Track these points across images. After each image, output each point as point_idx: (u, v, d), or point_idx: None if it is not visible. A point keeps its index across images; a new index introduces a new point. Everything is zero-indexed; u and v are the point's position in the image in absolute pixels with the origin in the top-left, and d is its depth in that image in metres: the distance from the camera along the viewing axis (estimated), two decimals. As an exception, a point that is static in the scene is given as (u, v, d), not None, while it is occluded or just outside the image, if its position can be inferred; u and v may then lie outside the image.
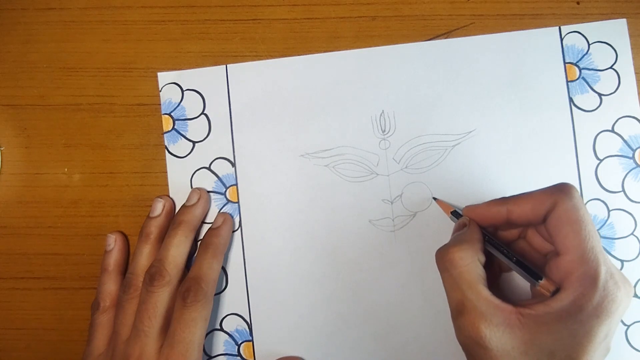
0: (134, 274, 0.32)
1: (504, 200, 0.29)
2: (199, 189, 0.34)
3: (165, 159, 0.34)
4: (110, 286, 0.33)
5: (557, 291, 0.26)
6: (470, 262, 0.27)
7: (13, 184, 0.35)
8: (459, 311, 0.26)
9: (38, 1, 0.35)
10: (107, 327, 0.32)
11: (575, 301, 0.25)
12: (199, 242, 0.34)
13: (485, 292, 0.26)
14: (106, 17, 0.35)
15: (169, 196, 0.34)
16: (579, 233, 0.26)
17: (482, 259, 0.28)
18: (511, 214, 0.28)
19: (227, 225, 0.33)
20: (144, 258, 0.32)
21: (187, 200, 0.33)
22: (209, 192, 0.34)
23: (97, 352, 0.32)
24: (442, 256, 0.28)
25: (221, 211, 0.34)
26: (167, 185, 0.34)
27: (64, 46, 0.35)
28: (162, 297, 0.31)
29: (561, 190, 0.27)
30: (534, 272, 0.27)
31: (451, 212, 0.31)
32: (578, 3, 0.34)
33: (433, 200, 0.33)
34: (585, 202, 0.33)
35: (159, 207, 0.33)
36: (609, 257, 0.32)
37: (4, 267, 0.35)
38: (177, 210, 0.34)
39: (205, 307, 0.30)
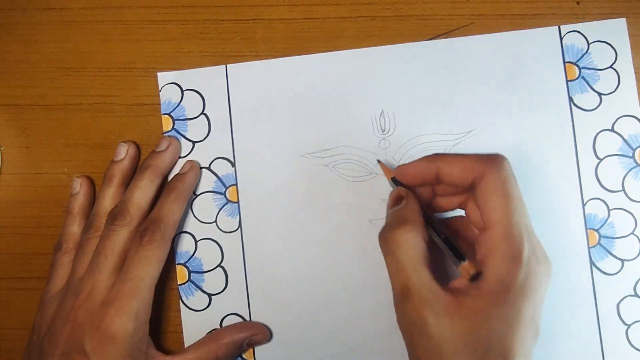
0: (95, 215, 0.32)
1: (435, 157, 0.28)
2: (169, 137, 0.34)
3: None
4: (73, 228, 0.33)
5: (478, 275, 0.26)
6: (416, 243, 0.26)
7: (13, 184, 0.35)
8: (404, 295, 0.26)
9: (38, 1, 0.35)
10: (67, 268, 0.33)
11: (502, 281, 0.25)
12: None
13: (428, 277, 0.26)
14: (106, 17, 0.35)
15: (133, 142, 0.34)
16: (505, 207, 0.26)
17: (426, 237, 0.27)
18: (440, 172, 0.28)
19: (194, 171, 0.34)
20: (106, 200, 0.33)
21: (156, 147, 0.34)
22: (208, 192, 0.34)
23: (55, 290, 0.32)
24: (388, 239, 0.27)
25: (221, 210, 0.34)
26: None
27: (64, 46, 0.35)
28: (121, 236, 0.31)
29: (492, 161, 0.27)
30: (458, 252, 0.27)
31: (392, 178, 0.31)
32: (578, 3, 0.34)
33: (378, 163, 0.33)
34: (585, 201, 0.33)
35: (122, 151, 0.34)
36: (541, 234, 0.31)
37: (4, 267, 0.35)
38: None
39: (160, 248, 0.31)
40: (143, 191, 0.32)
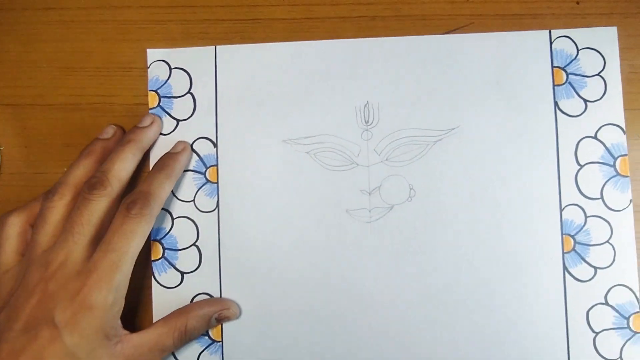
0: (62, 183, 0.31)
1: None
2: (153, 114, 0.34)
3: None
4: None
5: None
6: None
7: (13, 184, 0.35)
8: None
9: (38, 1, 0.35)
10: (20, 239, 0.31)
11: None
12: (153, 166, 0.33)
13: None
14: (106, 17, 0.35)
15: (121, 127, 0.34)
16: None
17: None
18: None
19: (186, 153, 0.34)
20: (80, 170, 0.32)
21: (139, 123, 0.34)
22: (189, 170, 0.34)
23: (6, 265, 0.30)
24: None
25: (200, 190, 0.34)
26: (149, 162, 0.34)
27: (63, 46, 0.35)
28: (99, 205, 0.30)
29: None
30: None
31: None
32: (578, 3, 0.34)
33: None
34: (563, 206, 0.33)
35: (110, 131, 0.34)
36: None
37: None
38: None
39: (147, 223, 0.30)
40: (124, 163, 0.31)
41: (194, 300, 0.34)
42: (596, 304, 0.33)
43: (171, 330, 0.31)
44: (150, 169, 0.33)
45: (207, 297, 0.34)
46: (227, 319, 0.33)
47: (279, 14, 0.35)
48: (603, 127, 0.33)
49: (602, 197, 0.33)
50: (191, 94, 0.35)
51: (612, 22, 0.34)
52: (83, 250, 0.29)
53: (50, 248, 0.30)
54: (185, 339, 0.31)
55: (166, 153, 0.34)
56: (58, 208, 0.30)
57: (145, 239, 0.30)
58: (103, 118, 0.35)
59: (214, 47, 0.35)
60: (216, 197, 0.34)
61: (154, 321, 0.33)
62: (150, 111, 0.35)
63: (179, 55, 0.35)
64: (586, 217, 0.33)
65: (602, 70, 0.34)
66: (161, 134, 0.34)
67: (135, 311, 0.34)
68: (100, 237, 0.30)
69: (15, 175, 0.35)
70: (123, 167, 0.31)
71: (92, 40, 0.35)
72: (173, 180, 0.33)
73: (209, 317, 0.32)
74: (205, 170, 0.34)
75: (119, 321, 0.30)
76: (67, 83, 0.35)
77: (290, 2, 0.35)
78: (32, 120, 0.35)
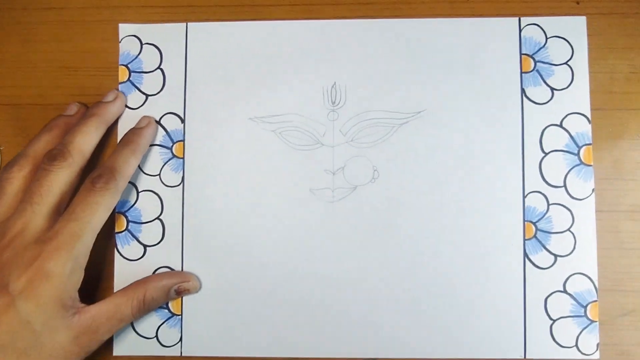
0: (22, 155, 0.31)
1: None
2: (116, 90, 0.34)
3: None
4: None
5: None
6: None
7: None
8: None
9: (38, 1, 0.36)
10: None
11: None
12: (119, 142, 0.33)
13: None
14: (106, 17, 0.35)
15: (86, 105, 0.34)
16: None
17: None
18: None
19: (151, 127, 0.34)
20: (41, 143, 0.31)
21: (103, 98, 0.34)
22: (155, 145, 0.35)
23: None
24: None
25: (166, 164, 0.34)
26: (117, 136, 0.35)
27: (63, 46, 0.35)
28: (60, 176, 0.29)
29: None
30: None
31: None
32: (578, 3, 0.34)
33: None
34: (526, 193, 0.33)
35: (74, 108, 0.34)
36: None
37: None
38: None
39: (112, 196, 0.30)
40: (87, 136, 0.31)
41: (156, 273, 0.34)
42: (555, 292, 0.33)
43: (129, 300, 0.31)
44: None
45: (169, 270, 0.34)
46: (187, 291, 0.33)
47: (278, 14, 0.35)
48: (569, 116, 0.33)
49: (565, 186, 0.33)
50: (161, 69, 0.35)
51: (612, 22, 0.34)
52: (42, 220, 0.29)
53: (8, 218, 0.29)
54: (143, 309, 0.31)
55: (131, 129, 0.34)
56: (17, 179, 0.30)
57: (109, 213, 0.30)
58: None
59: (185, 23, 0.35)
60: (182, 172, 0.34)
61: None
62: (119, 85, 0.35)
63: (150, 31, 0.35)
64: (549, 204, 0.33)
65: (570, 59, 0.34)
66: (130, 107, 0.35)
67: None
68: (60, 209, 0.30)
69: None
70: (85, 139, 0.31)
71: (92, 40, 0.35)
72: (139, 156, 0.33)
73: (168, 288, 0.32)
74: (172, 145, 0.35)
75: (77, 293, 0.30)
76: (67, 83, 0.35)
77: (290, 2, 0.35)
78: (32, 120, 0.35)
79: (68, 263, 0.28)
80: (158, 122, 0.35)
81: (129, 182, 0.34)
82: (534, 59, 0.34)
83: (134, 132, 0.33)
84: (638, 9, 0.34)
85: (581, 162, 0.33)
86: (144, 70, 0.35)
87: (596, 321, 0.32)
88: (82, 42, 0.35)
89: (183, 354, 0.33)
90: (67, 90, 0.35)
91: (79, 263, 0.29)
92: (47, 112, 0.35)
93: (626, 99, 0.34)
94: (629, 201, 0.33)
